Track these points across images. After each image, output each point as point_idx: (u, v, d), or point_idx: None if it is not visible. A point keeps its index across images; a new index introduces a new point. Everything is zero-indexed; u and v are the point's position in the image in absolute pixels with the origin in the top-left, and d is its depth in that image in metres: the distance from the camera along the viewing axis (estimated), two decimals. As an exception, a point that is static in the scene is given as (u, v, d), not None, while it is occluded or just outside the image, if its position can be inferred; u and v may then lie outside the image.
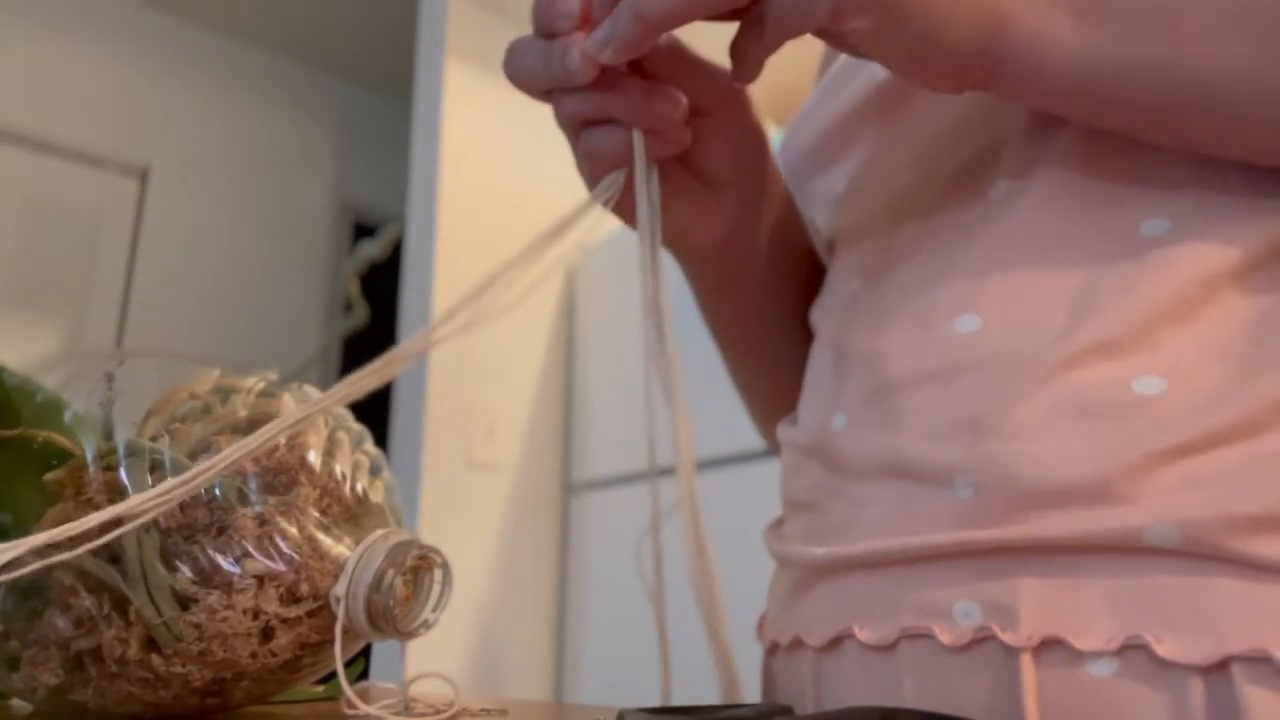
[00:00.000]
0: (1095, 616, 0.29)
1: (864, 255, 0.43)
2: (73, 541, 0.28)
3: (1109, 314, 0.32)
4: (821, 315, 0.46)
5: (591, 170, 0.39)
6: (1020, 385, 0.33)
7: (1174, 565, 0.29)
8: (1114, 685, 0.29)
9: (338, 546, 0.34)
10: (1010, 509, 0.32)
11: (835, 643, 0.37)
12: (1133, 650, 0.29)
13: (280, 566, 0.33)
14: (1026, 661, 0.30)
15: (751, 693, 0.39)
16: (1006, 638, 0.30)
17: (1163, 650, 0.28)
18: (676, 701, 0.28)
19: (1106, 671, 0.29)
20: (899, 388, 0.37)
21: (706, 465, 1.49)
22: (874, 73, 0.43)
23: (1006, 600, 0.31)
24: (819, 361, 0.44)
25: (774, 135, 2.04)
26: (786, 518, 0.44)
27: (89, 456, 0.34)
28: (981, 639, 0.31)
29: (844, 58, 0.46)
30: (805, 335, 0.48)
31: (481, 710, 0.37)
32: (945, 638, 0.32)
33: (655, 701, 0.28)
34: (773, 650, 0.43)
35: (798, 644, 0.39)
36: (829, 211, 0.47)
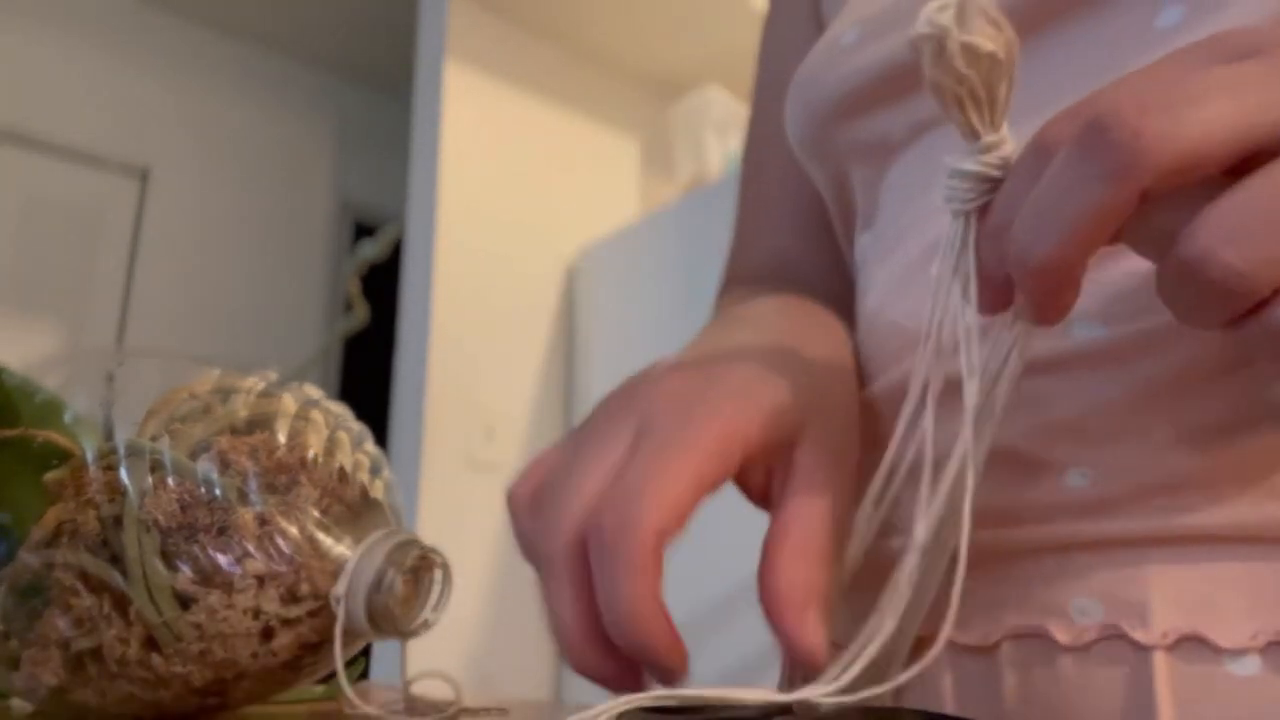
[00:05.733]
0: (1235, 611, 0.27)
1: (929, 217, 0.36)
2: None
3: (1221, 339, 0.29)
4: (871, 283, 0.40)
5: None
6: (1139, 394, 0.29)
7: None
8: (1257, 684, 0.27)
9: (338, 546, 0.34)
10: (1132, 498, 0.29)
11: (922, 642, 0.34)
12: (1279, 647, 0.27)
13: (281, 566, 0.33)
14: (1160, 660, 0.28)
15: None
16: (1137, 635, 0.28)
17: None
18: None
19: (1249, 670, 0.27)
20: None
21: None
22: None
23: (1135, 596, 0.29)
24: (874, 337, 0.38)
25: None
26: None
27: (89, 456, 0.34)
28: (1106, 637, 0.29)
29: None
30: None
31: (482, 710, 0.37)
32: (1062, 637, 0.30)
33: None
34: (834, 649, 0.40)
35: None
36: (877, 159, 0.41)
